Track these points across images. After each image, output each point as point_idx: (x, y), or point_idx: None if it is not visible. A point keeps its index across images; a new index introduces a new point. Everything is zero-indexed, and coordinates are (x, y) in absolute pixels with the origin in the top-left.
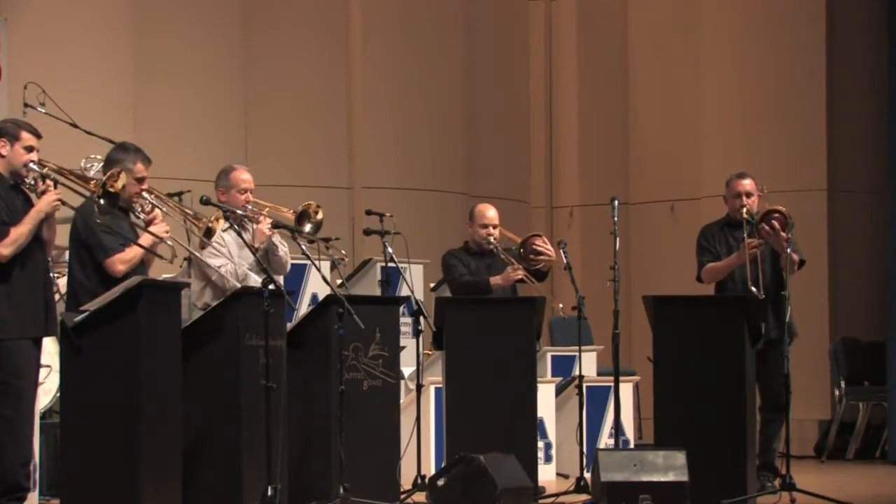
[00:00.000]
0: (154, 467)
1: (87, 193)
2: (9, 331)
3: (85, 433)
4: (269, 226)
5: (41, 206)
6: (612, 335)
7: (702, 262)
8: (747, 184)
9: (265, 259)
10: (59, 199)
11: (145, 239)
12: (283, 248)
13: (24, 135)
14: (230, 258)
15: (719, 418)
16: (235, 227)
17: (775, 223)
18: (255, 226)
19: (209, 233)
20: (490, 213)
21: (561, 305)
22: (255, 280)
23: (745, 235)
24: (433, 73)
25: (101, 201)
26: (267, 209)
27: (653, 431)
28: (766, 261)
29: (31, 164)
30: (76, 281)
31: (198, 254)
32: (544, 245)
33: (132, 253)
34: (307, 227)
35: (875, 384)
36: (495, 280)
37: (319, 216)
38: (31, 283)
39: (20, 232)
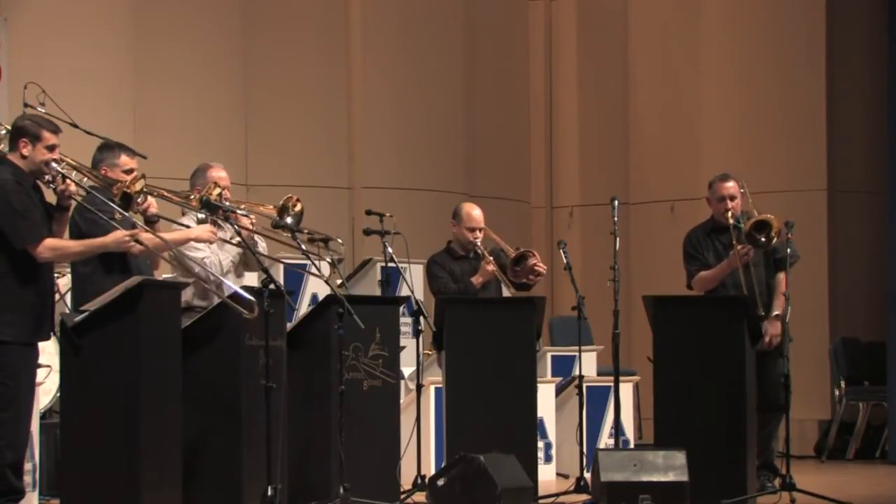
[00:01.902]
0: (154, 467)
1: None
2: (12, 334)
3: (85, 433)
4: (251, 222)
5: (109, 241)
6: (612, 335)
7: (690, 270)
8: (731, 186)
9: (245, 255)
10: (135, 240)
11: (185, 234)
12: (262, 244)
13: (46, 134)
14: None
15: (719, 418)
16: (236, 227)
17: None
18: (238, 223)
19: (208, 205)
20: (476, 213)
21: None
22: (232, 283)
23: (734, 242)
24: (433, 73)
25: (118, 202)
26: (244, 206)
27: (653, 431)
28: (758, 264)
29: (53, 164)
30: (80, 274)
31: (181, 249)
32: (541, 266)
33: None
34: (288, 220)
35: (875, 384)
36: (476, 279)
37: (298, 208)
38: (39, 288)
39: (70, 247)
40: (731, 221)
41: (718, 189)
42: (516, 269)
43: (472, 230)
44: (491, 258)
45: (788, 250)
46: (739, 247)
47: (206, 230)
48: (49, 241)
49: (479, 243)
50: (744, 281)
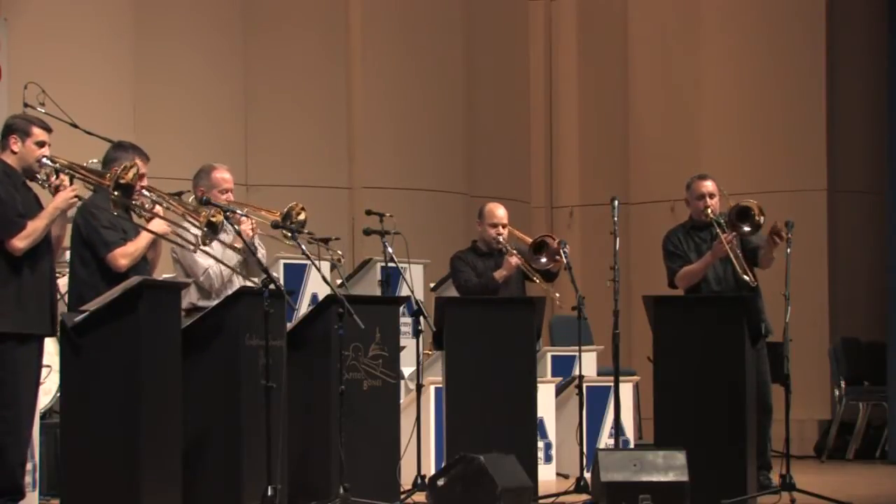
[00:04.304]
0: (154, 467)
1: (100, 187)
2: (11, 327)
3: (85, 433)
4: (251, 226)
5: (58, 202)
6: (612, 335)
7: (672, 267)
8: (709, 185)
9: (245, 260)
10: (77, 196)
11: (145, 237)
12: (261, 249)
13: (35, 130)
14: (218, 261)
15: (719, 418)
16: (235, 227)
17: (782, 233)
18: (239, 226)
19: (212, 227)
20: (499, 212)
21: (558, 295)
22: (240, 283)
23: (719, 234)
24: (433, 73)
25: (116, 193)
26: (247, 210)
27: (653, 431)
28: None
29: (44, 160)
30: (78, 277)
31: (188, 251)
32: (560, 247)
33: (133, 247)
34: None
35: (875, 384)
36: (499, 273)
37: (302, 217)
38: (38, 282)
39: (36, 226)
40: (711, 217)
41: (697, 187)
42: (537, 257)
43: (495, 226)
44: (515, 251)
45: (759, 242)
46: (724, 235)
47: (162, 224)
48: (23, 231)
49: (502, 240)
50: (735, 260)
